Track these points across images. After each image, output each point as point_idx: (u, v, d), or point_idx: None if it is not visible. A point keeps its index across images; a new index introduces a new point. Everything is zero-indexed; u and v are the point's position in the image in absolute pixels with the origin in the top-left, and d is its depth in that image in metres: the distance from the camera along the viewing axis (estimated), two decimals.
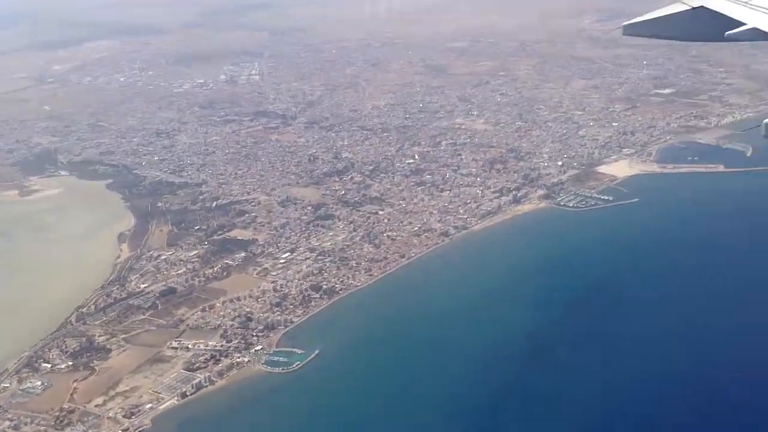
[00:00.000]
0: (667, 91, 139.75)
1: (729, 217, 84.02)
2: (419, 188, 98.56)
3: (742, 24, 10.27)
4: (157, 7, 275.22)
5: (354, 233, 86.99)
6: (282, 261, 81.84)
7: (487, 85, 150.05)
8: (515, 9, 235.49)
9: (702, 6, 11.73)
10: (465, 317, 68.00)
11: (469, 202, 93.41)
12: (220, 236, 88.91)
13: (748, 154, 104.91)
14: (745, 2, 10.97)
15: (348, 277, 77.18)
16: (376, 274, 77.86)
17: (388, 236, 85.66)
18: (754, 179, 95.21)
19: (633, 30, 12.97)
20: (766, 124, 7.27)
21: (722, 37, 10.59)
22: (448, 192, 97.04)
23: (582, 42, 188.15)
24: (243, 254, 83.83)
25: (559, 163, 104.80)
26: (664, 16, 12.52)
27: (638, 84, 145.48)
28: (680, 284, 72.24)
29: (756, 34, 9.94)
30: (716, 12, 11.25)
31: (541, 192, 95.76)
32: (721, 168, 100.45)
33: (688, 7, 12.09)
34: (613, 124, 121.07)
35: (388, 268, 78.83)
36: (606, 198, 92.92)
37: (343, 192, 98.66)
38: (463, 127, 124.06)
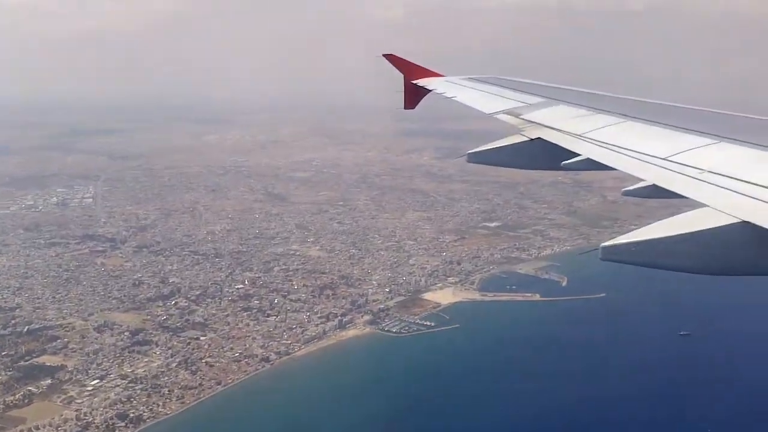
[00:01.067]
0: (494, 224, 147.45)
1: (536, 343, 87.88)
2: (245, 313, 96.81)
3: (576, 155, 10.59)
4: (13, 129, 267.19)
5: (171, 359, 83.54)
6: (89, 388, 76.77)
7: (326, 214, 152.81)
8: (361, 144, 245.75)
9: (539, 138, 12.15)
10: None
11: (295, 328, 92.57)
12: (27, 362, 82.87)
13: (563, 283, 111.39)
14: (579, 135, 11.60)
15: (158, 405, 73.37)
16: (188, 401, 74.52)
17: (206, 362, 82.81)
18: (565, 307, 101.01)
19: (477, 158, 13.05)
20: (602, 248, 7.06)
21: (559, 166, 11.02)
22: (274, 317, 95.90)
23: (420, 176, 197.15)
24: (49, 381, 78.16)
25: (387, 290, 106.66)
26: (506, 146, 12.67)
27: (468, 217, 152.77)
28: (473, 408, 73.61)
29: (589, 164, 10.34)
30: (553, 143, 11.78)
31: (367, 318, 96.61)
32: (537, 297, 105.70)
33: (527, 138, 12.46)
34: (442, 254, 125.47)
35: (202, 396, 75.76)
36: (428, 324, 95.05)
37: (165, 317, 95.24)
38: (297, 253, 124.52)
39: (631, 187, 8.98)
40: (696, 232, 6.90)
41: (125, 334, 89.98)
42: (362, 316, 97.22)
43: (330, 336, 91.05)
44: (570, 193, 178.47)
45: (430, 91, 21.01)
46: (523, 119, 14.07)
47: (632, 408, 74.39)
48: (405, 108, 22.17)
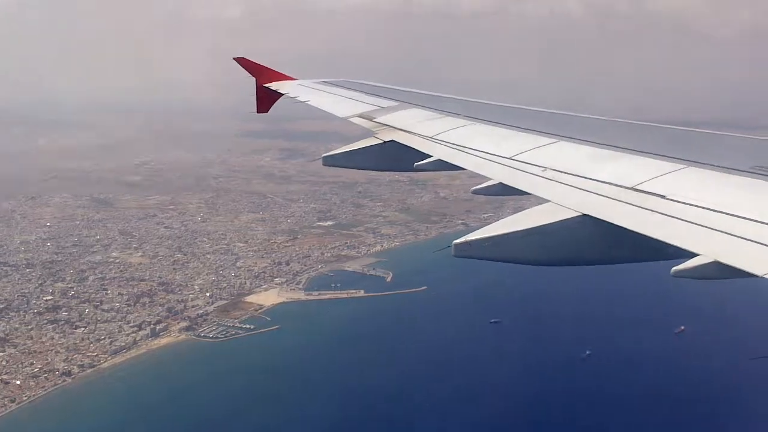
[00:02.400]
0: (328, 223, 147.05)
1: (351, 338, 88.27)
2: (51, 326, 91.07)
3: (428, 156, 10.63)
4: None
5: None
6: None
7: (154, 219, 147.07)
8: (201, 146, 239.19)
9: (393, 140, 12.08)
10: None
11: (103, 339, 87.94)
12: None
13: (388, 279, 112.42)
14: (430, 137, 11.63)
15: None
16: None
17: (1, 380, 77.06)
18: (387, 301, 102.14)
19: (332, 161, 12.81)
20: (455, 245, 6.89)
21: (412, 167, 10.99)
22: (83, 329, 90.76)
23: (259, 178, 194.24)
24: None
25: (209, 295, 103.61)
26: (360, 148, 12.53)
27: (303, 217, 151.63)
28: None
29: (440, 165, 10.42)
30: (405, 145, 11.74)
31: (183, 324, 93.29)
32: (361, 293, 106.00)
33: (381, 141, 12.39)
34: (272, 255, 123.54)
35: None
36: (248, 327, 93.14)
37: None
38: (117, 261, 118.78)
39: (480, 186, 9.12)
40: (541, 226, 7.12)
41: None
42: (178, 322, 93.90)
43: (141, 345, 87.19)
44: (405, 191, 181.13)
45: (283, 94, 20.79)
46: (376, 122, 14.13)
47: (424, 389, 77.55)
48: (258, 111, 21.78)
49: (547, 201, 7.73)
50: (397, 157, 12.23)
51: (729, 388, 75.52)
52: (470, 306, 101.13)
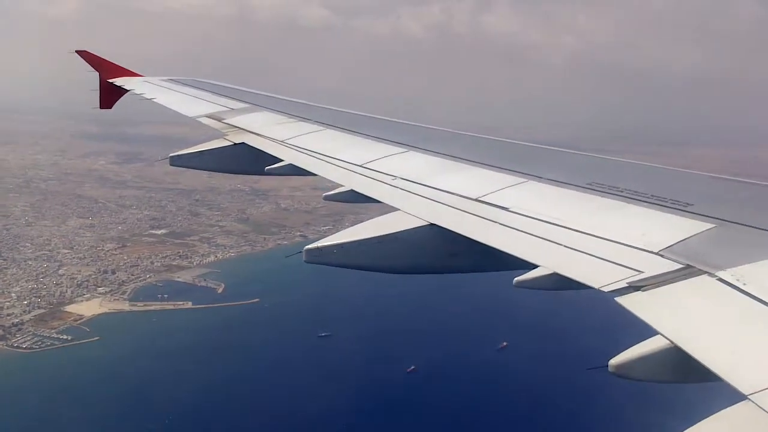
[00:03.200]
0: (161, 231, 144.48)
1: (170, 354, 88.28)
2: None
3: (280, 160, 10.53)
4: None
5: None
6: None
7: None
8: (32, 146, 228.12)
9: (243, 143, 11.89)
10: None
11: None
12: None
13: (220, 290, 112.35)
14: (281, 141, 11.56)
15: None
16: None
17: None
18: (214, 313, 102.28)
19: (180, 161, 12.36)
20: (306, 251, 6.97)
21: (263, 171, 10.80)
22: None
23: (91, 182, 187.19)
24: None
25: (26, 303, 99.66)
26: (210, 149, 12.23)
27: (135, 224, 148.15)
28: None
29: (292, 169, 10.32)
30: (256, 148, 11.54)
31: None
32: (189, 305, 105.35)
33: (231, 143, 12.14)
34: (98, 263, 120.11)
35: None
36: (65, 337, 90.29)
37: None
38: None
39: (331, 192, 9.14)
40: (389, 234, 7.16)
41: None
42: None
43: None
44: (246, 200, 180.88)
45: (128, 91, 19.89)
46: (226, 123, 13.82)
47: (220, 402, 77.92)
48: (101, 107, 20.81)
49: (397, 209, 7.88)
50: (247, 159, 12.13)
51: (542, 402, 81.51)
52: (301, 318, 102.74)
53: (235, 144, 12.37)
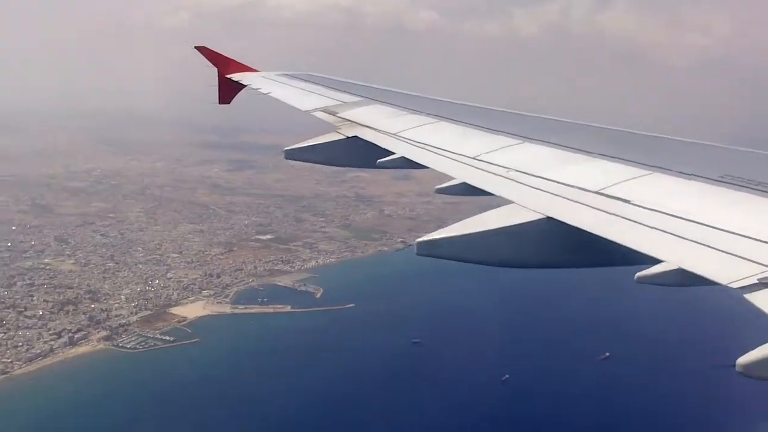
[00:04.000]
0: (266, 237, 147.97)
1: (267, 354, 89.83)
2: None
3: (392, 153, 10.55)
4: None
5: None
6: None
7: (92, 226, 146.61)
8: (151, 155, 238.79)
9: (356, 136, 11.95)
10: None
11: (21, 345, 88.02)
12: None
13: (318, 295, 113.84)
14: (394, 134, 11.53)
15: None
16: None
17: None
18: (311, 318, 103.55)
19: (293, 155, 12.69)
20: (417, 244, 6.92)
21: (374, 164, 10.90)
22: (2, 335, 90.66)
23: (204, 188, 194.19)
24: None
25: (134, 305, 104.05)
26: (323, 143, 12.41)
27: (243, 230, 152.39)
28: None
29: (404, 162, 10.35)
30: (369, 142, 11.60)
31: (103, 333, 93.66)
32: (288, 309, 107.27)
33: (344, 137, 12.27)
34: (204, 267, 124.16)
35: None
36: (167, 338, 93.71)
37: None
38: (48, 267, 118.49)
39: (443, 185, 9.05)
40: (503, 227, 7.03)
41: None
42: (99, 331, 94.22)
43: (57, 353, 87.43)
44: (350, 207, 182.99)
45: (245, 86, 20.37)
46: (339, 117, 13.92)
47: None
48: (219, 103, 21.36)
49: (511, 202, 7.68)
50: (360, 153, 12.11)
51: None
52: (394, 325, 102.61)
53: (347, 137, 12.35)
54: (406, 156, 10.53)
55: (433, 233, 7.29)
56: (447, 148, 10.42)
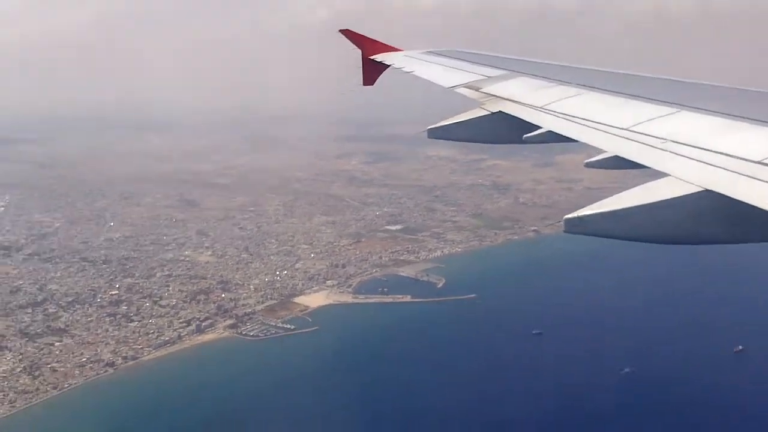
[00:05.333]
0: (396, 227, 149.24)
1: (382, 343, 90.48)
2: (109, 319, 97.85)
3: (538, 127, 10.37)
4: None
5: (17, 365, 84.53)
6: None
7: (232, 220, 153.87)
8: (293, 150, 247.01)
9: (500, 111, 11.87)
10: None
11: (152, 333, 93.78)
12: None
13: (440, 285, 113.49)
14: (540, 107, 11.31)
15: None
16: (19, 405, 75.82)
17: (51, 368, 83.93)
18: (431, 308, 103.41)
19: (437, 133, 12.73)
20: (566, 221, 7.01)
21: (521, 139, 10.76)
22: (136, 323, 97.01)
23: (340, 181, 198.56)
24: None
25: (261, 294, 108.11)
26: (466, 120, 12.38)
27: (373, 221, 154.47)
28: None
29: (551, 136, 10.11)
30: (514, 116, 11.46)
31: (229, 322, 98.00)
32: (408, 298, 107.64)
33: (488, 112, 12.20)
34: (331, 257, 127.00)
35: (34, 400, 76.99)
36: (288, 327, 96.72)
37: (28, 323, 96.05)
38: (187, 259, 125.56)
39: (593, 159, 8.81)
40: (659, 201, 6.83)
41: None
42: (225, 320, 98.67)
43: (185, 340, 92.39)
44: (484, 195, 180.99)
45: (389, 66, 20.36)
46: (483, 92, 13.76)
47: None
48: (363, 85, 21.37)
49: (667, 175, 7.39)
50: (505, 128, 11.89)
51: None
52: (515, 316, 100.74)
53: (492, 113, 12.16)
54: (553, 130, 10.17)
55: (582, 209, 6.95)
56: (597, 119, 10.00)
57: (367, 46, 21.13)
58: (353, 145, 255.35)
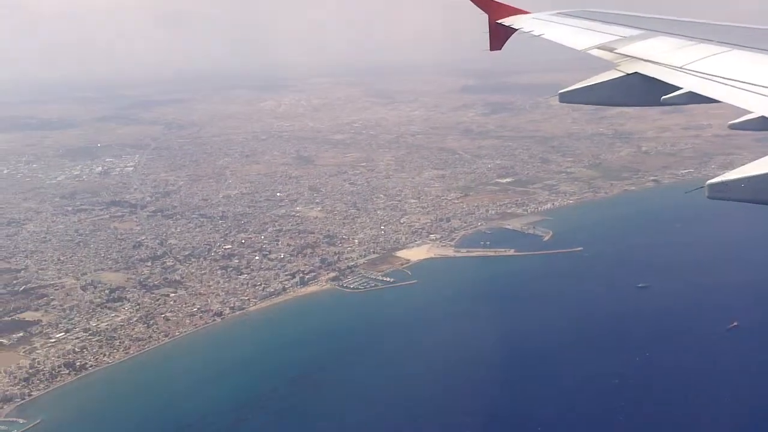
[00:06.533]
0: (506, 180, 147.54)
1: (480, 296, 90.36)
2: (221, 272, 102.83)
3: (677, 88, 10.16)
4: (76, 104, 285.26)
5: (134, 314, 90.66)
6: (53, 340, 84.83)
7: (344, 175, 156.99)
8: (411, 103, 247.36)
9: (636, 72, 11.65)
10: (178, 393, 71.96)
11: (259, 284, 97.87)
12: (10, 317, 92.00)
13: (546, 238, 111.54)
14: (679, 68, 11.01)
15: (104, 355, 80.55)
16: (132, 351, 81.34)
17: (164, 317, 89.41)
18: (535, 261, 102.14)
19: (569, 97, 12.41)
20: (709, 186, 7.02)
21: (658, 101, 10.61)
22: (246, 275, 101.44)
23: (455, 134, 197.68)
24: (21, 334, 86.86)
25: (364, 248, 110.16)
26: (600, 83, 12.08)
27: (484, 174, 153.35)
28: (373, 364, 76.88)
29: (691, 98, 9.89)
30: (651, 77, 11.23)
31: (332, 274, 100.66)
32: (511, 252, 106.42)
33: (623, 74, 11.98)
34: (437, 211, 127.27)
35: (147, 346, 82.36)
36: (388, 280, 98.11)
37: (147, 276, 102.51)
38: (298, 214, 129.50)
39: (738, 120, 8.46)
40: None
41: (105, 291, 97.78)
42: (328, 273, 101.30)
43: (288, 292, 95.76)
44: (605, 145, 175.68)
45: (516, 30, 20.05)
46: (617, 53, 13.47)
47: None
48: (491, 49, 21.04)
49: None
50: (641, 90, 11.60)
51: None
52: (622, 269, 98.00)
53: (627, 74, 11.94)
54: (693, 90, 9.81)
55: (726, 174, 6.79)
56: (742, 78, 9.54)
57: (493, 10, 20.72)
58: (473, 97, 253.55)
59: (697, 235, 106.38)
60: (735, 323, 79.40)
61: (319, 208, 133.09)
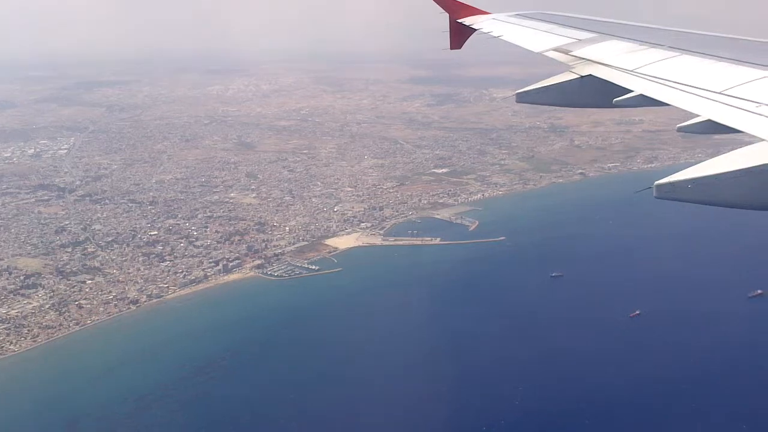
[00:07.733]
0: (442, 170, 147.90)
1: (398, 283, 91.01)
2: (142, 258, 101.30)
3: (629, 91, 10.39)
4: (20, 83, 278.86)
5: (47, 301, 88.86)
6: None
7: (283, 162, 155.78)
8: (360, 92, 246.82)
9: (590, 75, 11.92)
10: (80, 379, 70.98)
11: (180, 272, 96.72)
12: None
13: (472, 228, 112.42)
14: (631, 71, 11.34)
15: (11, 343, 78.87)
16: (40, 340, 79.77)
17: (78, 304, 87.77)
18: (459, 250, 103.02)
19: (525, 98, 12.91)
20: (657, 186, 7.04)
21: (610, 103, 10.85)
22: (168, 262, 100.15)
23: (399, 124, 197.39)
24: None
25: (294, 236, 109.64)
26: (555, 84, 12.39)
27: (422, 164, 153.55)
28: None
29: (642, 100, 10.18)
30: (604, 80, 11.54)
31: (257, 262, 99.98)
32: (437, 241, 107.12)
33: (578, 76, 12.25)
34: (371, 200, 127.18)
35: (55, 335, 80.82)
36: (313, 268, 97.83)
37: (66, 262, 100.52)
38: (231, 201, 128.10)
39: (686, 123, 8.75)
40: (753, 167, 6.64)
41: (20, 277, 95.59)
42: (253, 261, 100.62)
43: (210, 280, 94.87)
44: (540, 138, 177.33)
45: (476, 30, 20.33)
46: (572, 56, 13.75)
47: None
48: (451, 48, 21.35)
49: (762, 140, 7.17)
50: (594, 92, 11.84)
51: None
52: (539, 258, 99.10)
53: (581, 77, 12.20)
54: (644, 93, 10.12)
55: (675, 174, 6.86)
56: (690, 83, 9.90)
57: (454, 9, 20.98)
58: (421, 87, 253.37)
59: (617, 228, 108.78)
60: (637, 311, 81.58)
61: (254, 195, 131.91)
